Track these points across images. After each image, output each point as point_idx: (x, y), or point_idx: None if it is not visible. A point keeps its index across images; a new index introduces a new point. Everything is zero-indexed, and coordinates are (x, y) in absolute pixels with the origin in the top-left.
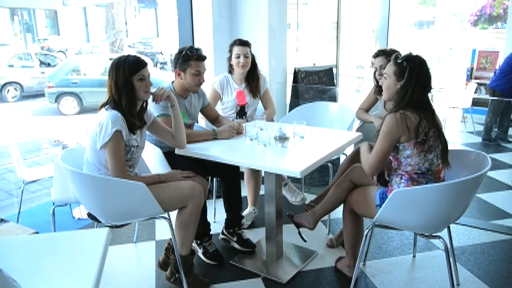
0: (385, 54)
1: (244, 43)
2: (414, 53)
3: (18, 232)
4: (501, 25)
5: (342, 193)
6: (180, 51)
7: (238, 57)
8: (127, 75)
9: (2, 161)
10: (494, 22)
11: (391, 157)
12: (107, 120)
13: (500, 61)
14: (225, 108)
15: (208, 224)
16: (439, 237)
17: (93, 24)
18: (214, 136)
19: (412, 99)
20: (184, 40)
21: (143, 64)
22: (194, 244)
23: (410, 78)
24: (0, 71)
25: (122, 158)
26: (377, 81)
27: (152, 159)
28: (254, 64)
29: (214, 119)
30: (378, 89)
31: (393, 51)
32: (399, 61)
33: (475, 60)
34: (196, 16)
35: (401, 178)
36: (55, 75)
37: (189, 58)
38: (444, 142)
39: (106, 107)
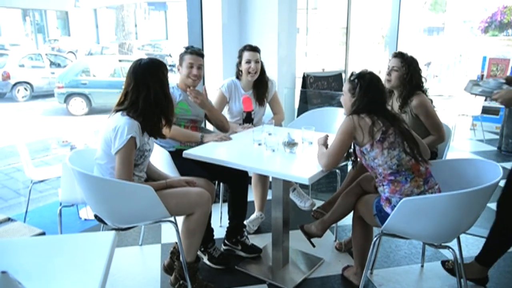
0: (402, 57)
1: (254, 49)
2: (367, 71)
3: (25, 231)
4: None
5: (352, 199)
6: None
7: (249, 62)
8: (167, 76)
9: (10, 160)
10: (504, 29)
11: (365, 166)
12: (123, 126)
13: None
14: (231, 114)
15: (212, 230)
16: (448, 247)
17: (103, 26)
18: (201, 139)
19: (358, 107)
20: (193, 43)
21: None
22: (198, 252)
23: (359, 93)
24: (11, 71)
25: (131, 164)
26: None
27: (159, 161)
28: (262, 71)
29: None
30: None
31: (412, 59)
32: (351, 78)
33: (486, 68)
34: (206, 20)
35: (382, 185)
36: (65, 75)
37: (185, 53)
38: (408, 138)
39: (122, 112)
